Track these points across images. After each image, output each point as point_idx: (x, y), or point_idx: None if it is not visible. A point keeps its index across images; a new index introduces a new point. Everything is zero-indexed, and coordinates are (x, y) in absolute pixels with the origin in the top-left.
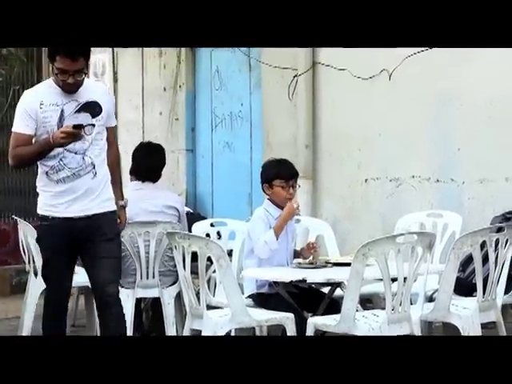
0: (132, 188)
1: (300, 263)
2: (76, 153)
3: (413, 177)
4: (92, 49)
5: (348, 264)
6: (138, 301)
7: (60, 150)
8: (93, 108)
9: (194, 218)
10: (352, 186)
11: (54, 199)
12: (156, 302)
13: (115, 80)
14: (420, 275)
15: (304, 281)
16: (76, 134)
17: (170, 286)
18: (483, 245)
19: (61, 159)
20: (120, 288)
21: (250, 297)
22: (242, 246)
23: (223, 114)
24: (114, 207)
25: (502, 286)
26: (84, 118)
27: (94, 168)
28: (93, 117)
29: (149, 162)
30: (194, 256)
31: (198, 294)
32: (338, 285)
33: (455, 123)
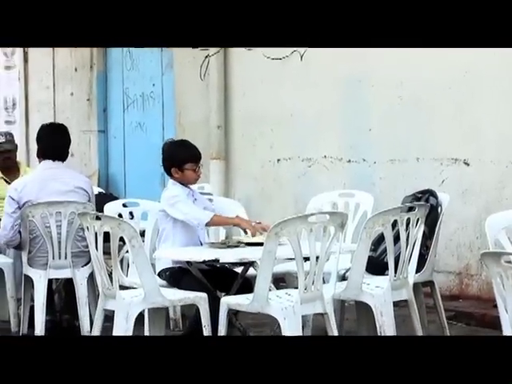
0: (43, 167)
1: (213, 243)
2: None
3: (325, 157)
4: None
5: (261, 244)
6: (50, 281)
7: None
8: None
9: (106, 198)
10: (264, 167)
11: None
12: (68, 283)
13: (25, 60)
14: (332, 254)
15: (217, 260)
16: None
17: (83, 266)
18: (395, 224)
19: None
20: (32, 268)
21: (161, 273)
22: (154, 226)
23: (135, 95)
24: None
25: (413, 264)
26: None
27: None
28: None
29: (54, 142)
30: (107, 236)
31: (110, 275)
32: (251, 264)
33: (366, 104)
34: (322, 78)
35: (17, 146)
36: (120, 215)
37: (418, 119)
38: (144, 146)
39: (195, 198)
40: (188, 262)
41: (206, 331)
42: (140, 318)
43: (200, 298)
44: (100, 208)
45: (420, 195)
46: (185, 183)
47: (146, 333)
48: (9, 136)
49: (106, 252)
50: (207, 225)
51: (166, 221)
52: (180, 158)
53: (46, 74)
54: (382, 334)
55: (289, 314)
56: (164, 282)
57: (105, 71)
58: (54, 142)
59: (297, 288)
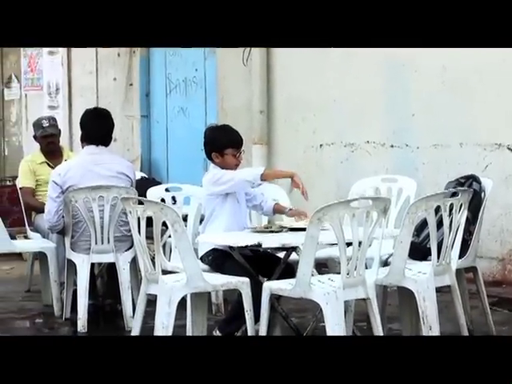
0: (86, 152)
1: (256, 228)
2: None
3: (367, 142)
4: None
5: (303, 229)
6: (93, 266)
7: None
8: None
9: (148, 183)
10: (307, 152)
11: None
12: (111, 267)
13: None
14: (375, 240)
15: (259, 245)
16: None
17: (126, 251)
18: (437, 209)
19: None
20: (74, 253)
21: (204, 257)
22: (197, 210)
23: (177, 80)
24: None
25: (456, 250)
26: None
27: None
28: None
29: (98, 127)
30: (149, 221)
31: (153, 259)
32: (294, 249)
33: (409, 89)
34: (365, 62)
35: (60, 130)
36: (163, 200)
37: (461, 104)
38: (186, 131)
39: None
40: (230, 247)
41: (248, 316)
42: (182, 303)
43: (242, 283)
44: (143, 193)
45: (463, 180)
46: (226, 168)
47: (189, 317)
48: (52, 120)
49: (149, 237)
50: (262, 178)
51: (214, 203)
52: (220, 143)
53: (89, 60)
54: (425, 320)
55: (331, 299)
56: (206, 267)
57: (147, 56)
58: (98, 127)
59: (339, 273)
